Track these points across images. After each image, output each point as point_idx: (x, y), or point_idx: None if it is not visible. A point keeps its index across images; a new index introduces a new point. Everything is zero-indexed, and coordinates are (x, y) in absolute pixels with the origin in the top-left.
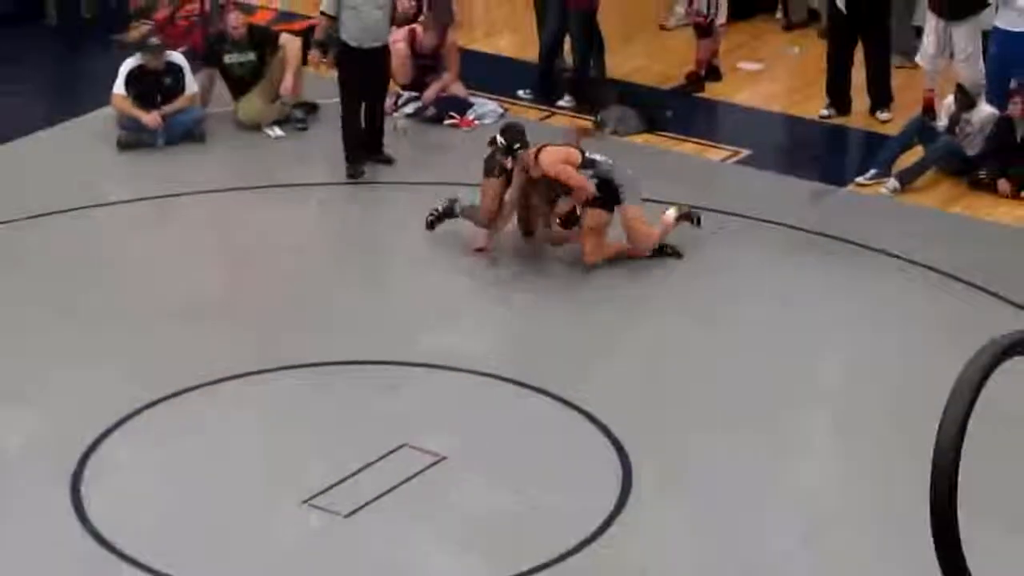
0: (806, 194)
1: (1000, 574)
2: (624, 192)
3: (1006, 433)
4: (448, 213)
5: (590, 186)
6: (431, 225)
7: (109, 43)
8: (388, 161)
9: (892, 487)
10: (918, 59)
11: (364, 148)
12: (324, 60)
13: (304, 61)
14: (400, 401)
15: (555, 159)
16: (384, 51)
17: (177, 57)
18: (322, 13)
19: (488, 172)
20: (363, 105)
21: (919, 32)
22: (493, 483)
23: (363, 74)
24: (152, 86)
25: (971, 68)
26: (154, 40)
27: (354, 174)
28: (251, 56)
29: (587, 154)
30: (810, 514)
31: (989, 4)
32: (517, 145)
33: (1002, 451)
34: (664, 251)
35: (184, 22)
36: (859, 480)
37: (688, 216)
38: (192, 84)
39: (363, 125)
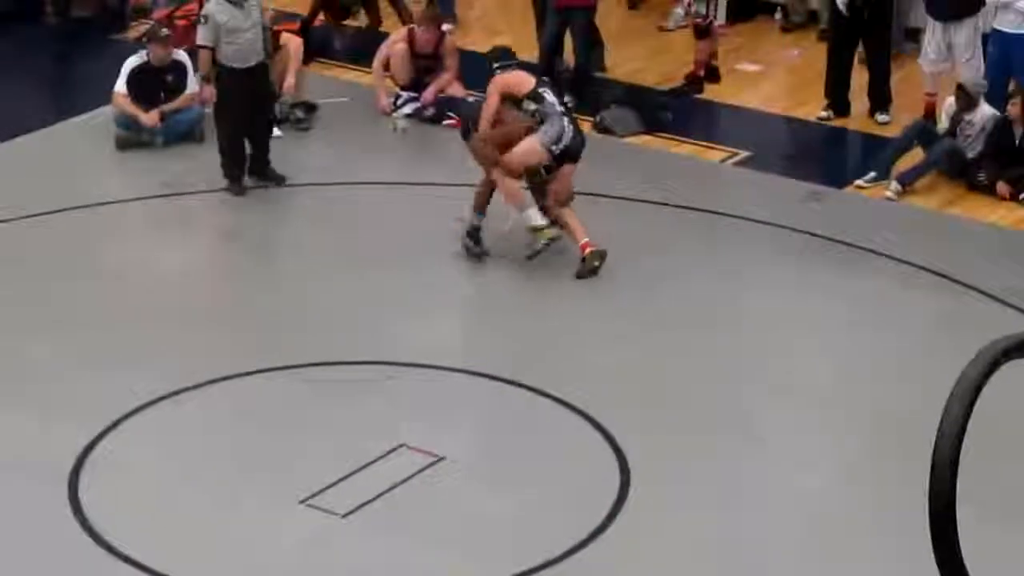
0: (804, 195)
1: (997, 572)
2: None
3: (1004, 432)
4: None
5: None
6: (469, 249)
7: (108, 43)
8: (279, 181)
9: (890, 488)
10: (920, 61)
11: (250, 169)
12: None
13: (304, 61)
14: (397, 401)
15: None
16: (263, 67)
17: (181, 55)
18: (200, 47)
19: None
20: (247, 124)
21: (908, 34)
22: (492, 483)
23: (245, 94)
24: (155, 84)
25: (972, 69)
26: (164, 31)
27: (239, 192)
28: None
29: (540, 88)
30: (808, 514)
31: (985, 3)
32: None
33: (1000, 450)
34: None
35: (183, 22)
36: (857, 482)
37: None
38: (193, 83)
39: (247, 148)
